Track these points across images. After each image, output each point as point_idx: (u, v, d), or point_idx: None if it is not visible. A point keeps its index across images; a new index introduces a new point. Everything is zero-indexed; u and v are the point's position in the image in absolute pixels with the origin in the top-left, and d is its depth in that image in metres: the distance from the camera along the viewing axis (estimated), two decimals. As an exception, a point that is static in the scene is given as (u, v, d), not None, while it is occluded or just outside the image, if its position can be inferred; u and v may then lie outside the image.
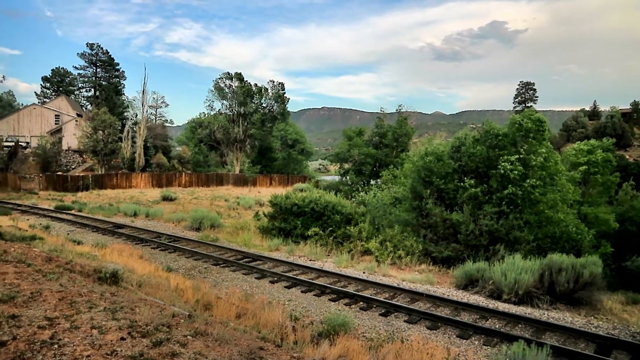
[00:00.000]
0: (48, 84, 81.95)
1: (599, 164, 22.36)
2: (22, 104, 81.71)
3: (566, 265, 12.34)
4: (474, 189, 17.55)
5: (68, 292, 6.72)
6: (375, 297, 11.94)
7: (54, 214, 27.35)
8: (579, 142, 27.05)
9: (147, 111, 63.60)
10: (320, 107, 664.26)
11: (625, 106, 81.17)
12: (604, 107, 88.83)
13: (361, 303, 11.68)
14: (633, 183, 28.80)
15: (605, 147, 23.84)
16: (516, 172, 16.75)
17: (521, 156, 17.35)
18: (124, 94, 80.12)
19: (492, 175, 17.78)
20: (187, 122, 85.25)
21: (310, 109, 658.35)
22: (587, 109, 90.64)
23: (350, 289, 12.89)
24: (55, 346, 4.63)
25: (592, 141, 24.64)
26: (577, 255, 14.47)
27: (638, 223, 21.69)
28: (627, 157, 60.65)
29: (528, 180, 16.77)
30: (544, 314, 11.21)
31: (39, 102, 73.81)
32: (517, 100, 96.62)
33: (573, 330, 9.71)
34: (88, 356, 4.46)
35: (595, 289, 12.24)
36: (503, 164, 17.10)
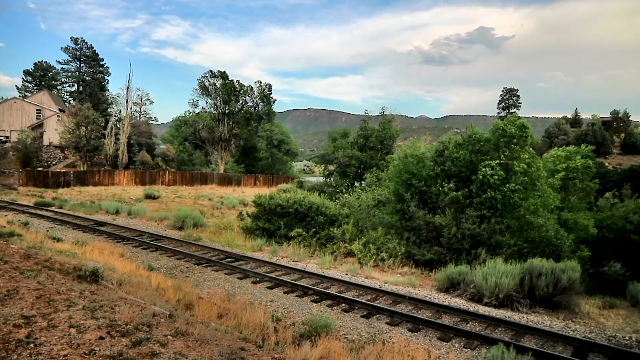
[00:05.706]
0: (30, 78, 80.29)
1: (578, 170, 22.66)
2: (3, 98, 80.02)
3: (546, 269, 12.53)
4: (454, 192, 17.70)
5: (46, 290, 6.61)
6: (357, 299, 11.96)
7: (33, 210, 26.87)
8: (556, 148, 27.38)
9: (131, 108, 62.83)
10: (306, 108, 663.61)
11: (607, 114, 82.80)
12: (585, 115, 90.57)
13: (343, 305, 11.70)
14: (617, 193, 29.19)
15: (583, 153, 24.18)
16: (496, 177, 16.94)
17: (502, 161, 17.56)
18: (108, 90, 79.05)
19: (474, 179, 17.96)
20: (172, 120, 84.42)
21: (296, 109, 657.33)
22: (569, 116, 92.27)
23: (333, 290, 12.90)
24: (32, 345, 4.54)
25: (570, 147, 24.97)
26: (557, 259, 14.69)
27: (616, 229, 22.05)
28: (607, 164, 61.84)
29: (508, 185, 16.97)
30: (524, 317, 11.36)
31: (20, 96, 72.39)
32: (500, 106, 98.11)
33: (551, 334, 9.88)
34: (65, 356, 4.39)
35: (574, 293, 12.46)
36: (484, 169, 17.28)
